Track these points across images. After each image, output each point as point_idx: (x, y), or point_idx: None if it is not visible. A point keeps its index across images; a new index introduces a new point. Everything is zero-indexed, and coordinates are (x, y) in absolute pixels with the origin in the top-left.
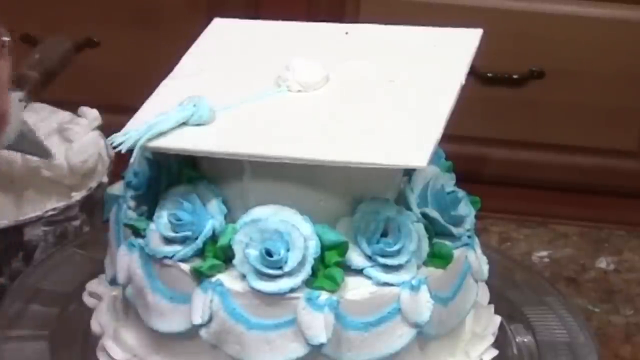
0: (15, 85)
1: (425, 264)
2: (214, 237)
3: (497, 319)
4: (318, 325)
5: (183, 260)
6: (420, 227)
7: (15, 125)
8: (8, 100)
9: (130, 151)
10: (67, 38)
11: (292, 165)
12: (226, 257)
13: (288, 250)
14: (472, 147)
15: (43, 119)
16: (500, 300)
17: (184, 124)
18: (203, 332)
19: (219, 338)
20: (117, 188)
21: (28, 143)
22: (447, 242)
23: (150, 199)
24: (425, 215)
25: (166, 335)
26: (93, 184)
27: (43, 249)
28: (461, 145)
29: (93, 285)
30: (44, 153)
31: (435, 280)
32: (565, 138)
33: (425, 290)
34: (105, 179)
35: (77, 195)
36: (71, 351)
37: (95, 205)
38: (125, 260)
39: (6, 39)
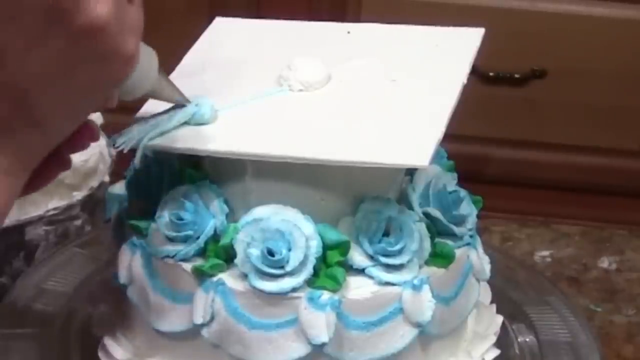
0: None
1: (427, 263)
2: (215, 237)
3: (499, 318)
4: (320, 325)
5: (185, 259)
6: (422, 226)
7: (148, 75)
8: (137, 46)
9: (131, 151)
10: None
11: (293, 164)
12: (228, 257)
13: (290, 249)
14: (473, 147)
15: None
16: (502, 300)
17: (186, 123)
18: (205, 332)
19: (221, 338)
20: (119, 187)
21: (163, 93)
22: (449, 242)
23: (152, 198)
24: (427, 215)
25: (168, 335)
26: (94, 184)
27: (44, 249)
28: (463, 144)
29: (95, 285)
30: (182, 101)
31: (437, 279)
32: (567, 137)
33: (427, 290)
34: (106, 179)
35: (78, 195)
36: (72, 351)
37: (96, 205)
38: (126, 259)
39: None
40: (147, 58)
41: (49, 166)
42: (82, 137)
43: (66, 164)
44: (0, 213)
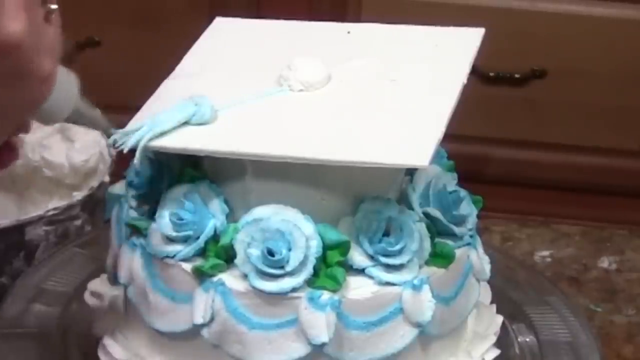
0: None
1: (427, 263)
2: (215, 237)
3: (499, 318)
4: (320, 325)
5: (185, 259)
6: (422, 226)
7: (69, 99)
8: (55, 65)
9: (131, 151)
10: (68, 37)
11: (293, 164)
12: (228, 257)
13: (290, 249)
14: (473, 147)
15: None
16: (502, 300)
17: (186, 123)
18: (205, 332)
19: (221, 338)
20: (119, 187)
21: (85, 118)
22: (449, 242)
23: (151, 198)
24: (427, 215)
25: (168, 335)
26: (94, 184)
27: (44, 249)
28: (463, 144)
29: (94, 285)
30: (104, 127)
31: (437, 279)
32: (567, 137)
33: (427, 290)
34: (106, 179)
35: (78, 195)
36: (72, 351)
37: (96, 205)
38: (126, 259)
39: (54, 6)
40: (67, 81)
41: None
42: (2, 156)
43: None
44: None
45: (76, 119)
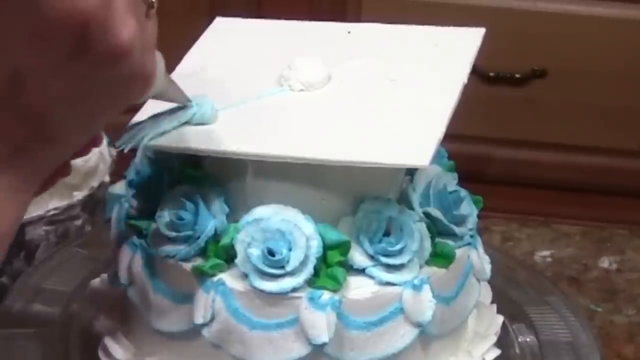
0: None
1: (427, 263)
2: (216, 237)
3: (500, 318)
4: (320, 325)
5: (185, 259)
6: (423, 226)
7: (159, 84)
8: (155, 63)
9: (131, 151)
10: None
11: (294, 164)
12: (228, 257)
13: (290, 249)
14: (474, 147)
15: None
16: (502, 300)
17: (186, 123)
18: (205, 332)
19: (221, 338)
20: (119, 187)
21: (168, 95)
22: (450, 242)
23: (152, 198)
24: (427, 215)
25: (168, 335)
26: (95, 184)
27: (45, 249)
28: (463, 144)
29: (94, 285)
30: (184, 101)
31: (438, 279)
32: (567, 137)
33: (427, 290)
34: (106, 179)
35: (78, 195)
36: (72, 351)
37: (97, 205)
38: (126, 259)
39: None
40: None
41: (51, 174)
42: (88, 144)
43: (67, 170)
44: (12, 227)
45: (159, 95)
